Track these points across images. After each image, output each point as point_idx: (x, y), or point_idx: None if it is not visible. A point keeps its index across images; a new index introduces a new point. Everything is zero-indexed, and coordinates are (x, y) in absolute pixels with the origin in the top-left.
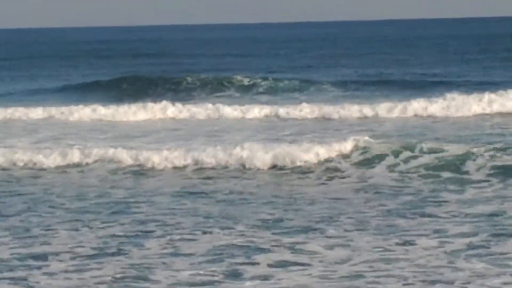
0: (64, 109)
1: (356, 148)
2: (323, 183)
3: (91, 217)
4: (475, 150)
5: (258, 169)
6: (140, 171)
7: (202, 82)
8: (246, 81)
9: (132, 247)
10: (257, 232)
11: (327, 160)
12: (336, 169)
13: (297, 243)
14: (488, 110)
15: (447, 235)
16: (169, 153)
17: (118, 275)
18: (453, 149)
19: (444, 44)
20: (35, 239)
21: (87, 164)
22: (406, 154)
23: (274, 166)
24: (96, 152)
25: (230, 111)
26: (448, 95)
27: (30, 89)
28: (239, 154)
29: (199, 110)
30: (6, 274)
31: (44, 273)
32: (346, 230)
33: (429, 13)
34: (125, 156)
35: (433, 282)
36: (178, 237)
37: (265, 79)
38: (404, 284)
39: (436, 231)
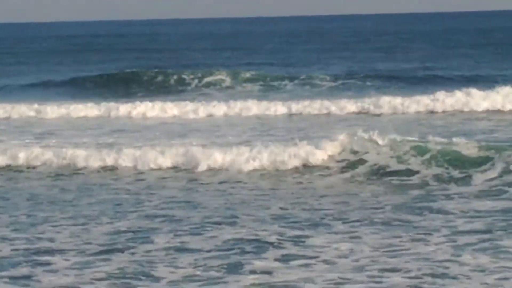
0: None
1: (362, 142)
2: (331, 177)
3: (96, 213)
4: (482, 144)
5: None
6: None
7: (194, 76)
8: (229, 79)
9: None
10: (263, 226)
11: (334, 155)
12: (341, 164)
13: (303, 236)
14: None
15: (456, 231)
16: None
17: (120, 271)
18: (462, 144)
19: (438, 39)
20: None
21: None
22: (414, 148)
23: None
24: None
25: (224, 108)
26: (464, 89)
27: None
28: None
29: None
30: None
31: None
32: (352, 225)
33: (423, 7)
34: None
35: (439, 275)
36: (185, 231)
37: (250, 72)
38: (410, 278)
39: (444, 226)
